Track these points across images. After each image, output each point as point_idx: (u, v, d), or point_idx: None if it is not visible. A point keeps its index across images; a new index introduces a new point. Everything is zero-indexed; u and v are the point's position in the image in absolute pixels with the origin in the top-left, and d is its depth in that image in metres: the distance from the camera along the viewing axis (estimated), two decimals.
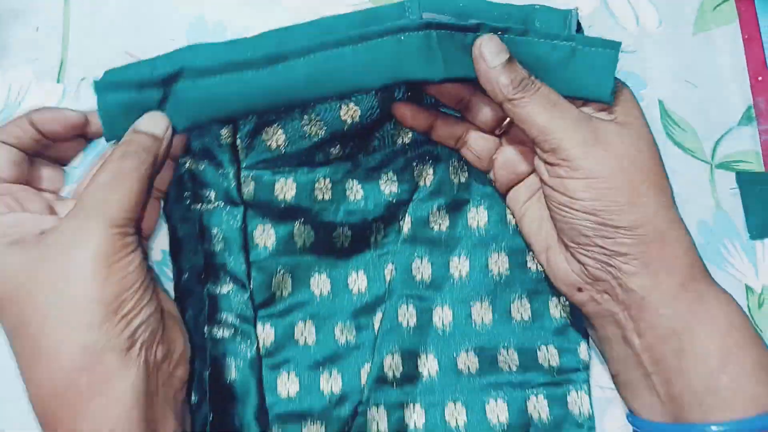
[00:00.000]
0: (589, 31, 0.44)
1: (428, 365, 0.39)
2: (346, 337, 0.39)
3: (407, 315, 0.39)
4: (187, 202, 0.38)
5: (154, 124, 0.34)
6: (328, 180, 0.39)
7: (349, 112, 0.37)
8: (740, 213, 0.42)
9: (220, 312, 0.38)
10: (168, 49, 0.36)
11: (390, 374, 0.38)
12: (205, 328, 0.37)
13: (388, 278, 0.40)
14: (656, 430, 0.34)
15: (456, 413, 0.38)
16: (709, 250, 0.41)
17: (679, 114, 0.43)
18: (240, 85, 0.34)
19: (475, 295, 0.39)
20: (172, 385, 0.32)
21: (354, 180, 0.39)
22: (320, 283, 0.39)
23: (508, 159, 0.38)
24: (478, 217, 0.40)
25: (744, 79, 0.44)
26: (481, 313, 0.39)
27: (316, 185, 0.39)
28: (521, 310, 0.39)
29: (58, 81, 0.44)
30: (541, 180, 0.35)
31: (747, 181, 0.42)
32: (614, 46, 0.34)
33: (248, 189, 0.38)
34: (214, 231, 0.38)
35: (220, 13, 0.44)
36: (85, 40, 0.44)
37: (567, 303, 0.39)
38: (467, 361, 0.39)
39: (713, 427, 0.31)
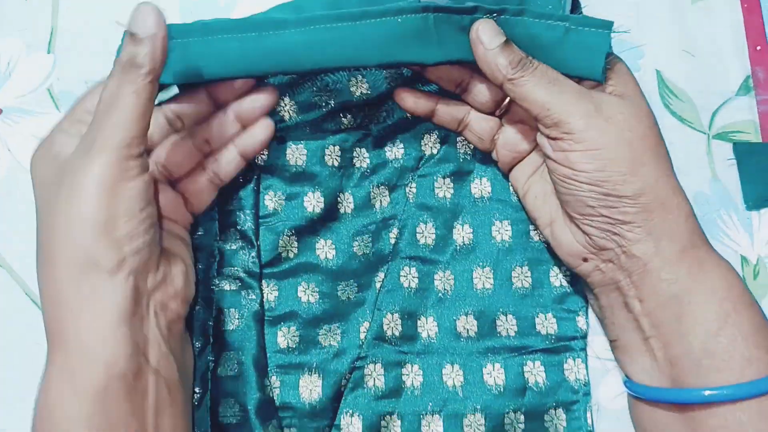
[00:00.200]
0: (586, 4, 0.43)
1: (428, 327, 0.40)
2: (348, 295, 0.40)
3: (409, 277, 0.40)
4: None
5: (142, 22, 0.31)
6: (338, 147, 0.40)
7: (358, 85, 0.39)
8: (737, 184, 0.42)
9: (228, 266, 0.39)
10: None
11: (389, 333, 0.39)
12: (214, 280, 0.39)
13: (392, 242, 0.41)
14: (652, 393, 0.35)
15: (453, 375, 0.39)
16: (706, 221, 0.41)
17: (676, 84, 0.43)
18: (241, 46, 0.35)
19: (477, 260, 0.41)
20: (165, 316, 0.33)
21: (362, 148, 0.41)
22: (325, 248, 0.40)
23: (509, 138, 0.39)
24: (482, 187, 0.41)
25: (743, 48, 0.44)
26: (483, 279, 0.40)
27: (326, 151, 0.40)
28: (522, 277, 0.40)
29: (49, 51, 0.43)
30: (545, 155, 0.35)
31: (744, 152, 0.42)
32: (607, 26, 0.35)
33: (261, 155, 0.40)
34: (229, 192, 0.40)
35: None
36: (76, 10, 0.44)
37: (567, 273, 0.40)
38: (466, 324, 0.40)
39: (707, 392, 0.32)
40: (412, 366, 0.39)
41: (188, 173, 0.38)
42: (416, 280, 0.40)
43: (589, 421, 0.39)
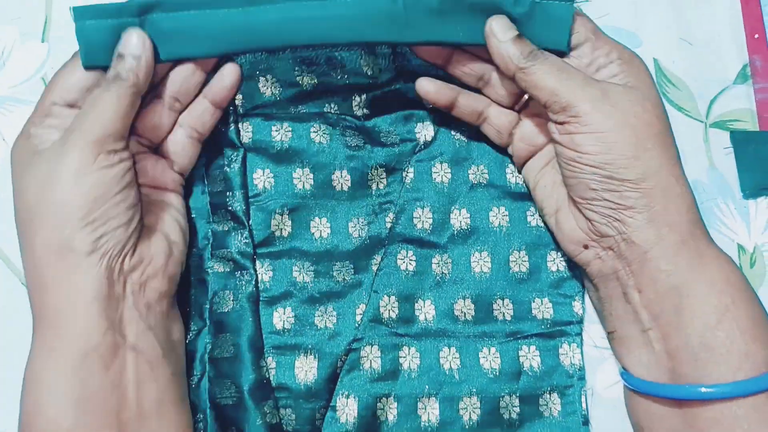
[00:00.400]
0: None
1: (425, 310, 0.40)
2: (344, 277, 0.40)
3: (406, 260, 0.40)
4: None
5: (127, 44, 0.35)
6: (324, 126, 0.41)
7: (337, 69, 0.40)
8: (734, 172, 0.42)
9: (221, 248, 0.40)
10: None
11: (386, 315, 0.39)
12: (208, 263, 0.39)
13: (389, 225, 0.41)
14: (648, 388, 0.35)
15: (450, 358, 0.39)
16: (703, 210, 0.40)
17: (674, 73, 0.43)
18: (213, 21, 0.36)
19: (475, 245, 0.41)
20: (144, 295, 0.34)
21: (350, 129, 0.41)
22: (320, 226, 0.40)
23: (526, 132, 0.39)
24: (479, 172, 0.41)
25: (740, 37, 0.44)
26: (480, 263, 0.40)
27: (312, 129, 0.41)
28: (519, 262, 0.40)
29: (43, 41, 0.43)
30: (553, 140, 0.36)
31: (741, 141, 0.42)
32: None
33: (246, 133, 0.40)
34: (216, 172, 0.40)
35: None
36: None
37: (564, 258, 0.40)
38: (464, 308, 0.40)
39: (703, 389, 0.32)
40: (408, 348, 0.39)
41: (167, 135, 0.38)
42: (414, 263, 0.40)
43: (584, 405, 0.39)
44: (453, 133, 0.41)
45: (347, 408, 0.38)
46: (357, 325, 0.39)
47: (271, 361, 0.39)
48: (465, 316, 0.40)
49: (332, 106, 0.41)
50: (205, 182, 0.40)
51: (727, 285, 0.33)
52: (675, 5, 0.44)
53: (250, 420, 0.37)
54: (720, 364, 0.32)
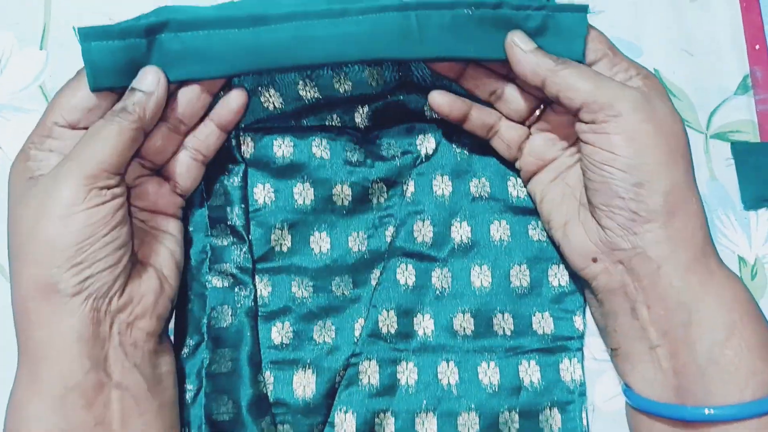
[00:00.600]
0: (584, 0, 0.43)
1: (424, 324, 0.40)
2: (343, 291, 0.40)
3: (406, 274, 0.40)
4: None
5: (142, 80, 0.35)
6: (325, 140, 0.40)
7: (341, 82, 0.40)
8: (735, 184, 0.42)
9: (220, 263, 0.39)
10: None
11: (384, 330, 0.39)
12: (206, 277, 0.39)
13: (389, 239, 0.40)
14: (652, 407, 0.34)
15: (449, 373, 0.39)
16: None
17: (674, 83, 0.43)
18: (222, 42, 0.35)
19: (476, 258, 0.40)
20: (131, 335, 0.34)
21: (352, 142, 0.41)
22: (320, 241, 0.40)
23: (536, 147, 0.39)
24: (480, 185, 0.41)
25: (741, 47, 0.43)
26: (481, 277, 0.40)
27: (314, 143, 0.40)
28: (520, 276, 0.40)
29: (41, 47, 0.43)
30: (583, 141, 0.35)
31: (742, 152, 0.42)
32: (582, 9, 0.36)
33: (247, 148, 0.40)
34: (216, 186, 0.40)
35: None
36: (69, 5, 0.43)
37: (566, 273, 0.40)
38: (463, 322, 0.40)
39: (708, 410, 0.32)
40: (407, 363, 0.39)
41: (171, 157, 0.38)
42: (413, 277, 0.40)
43: (584, 421, 0.38)
44: (454, 145, 0.41)
45: (345, 424, 0.38)
46: (356, 339, 0.39)
47: (269, 376, 0.38)
48: (464, 330, 0.39)
49: (334, 118, 0.40)
50: (204, 196, 0.40)
51: (735, 303, 0.33)
52: (676, 15, 0.44)
53: None
54: (727, 383, 0.32)
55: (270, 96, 0.39)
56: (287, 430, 0.38)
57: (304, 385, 0.38)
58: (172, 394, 0.36)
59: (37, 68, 0.42)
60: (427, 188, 0.41)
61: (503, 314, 0.40)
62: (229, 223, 0.39)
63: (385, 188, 0.41)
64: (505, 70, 0.38)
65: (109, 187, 0.33)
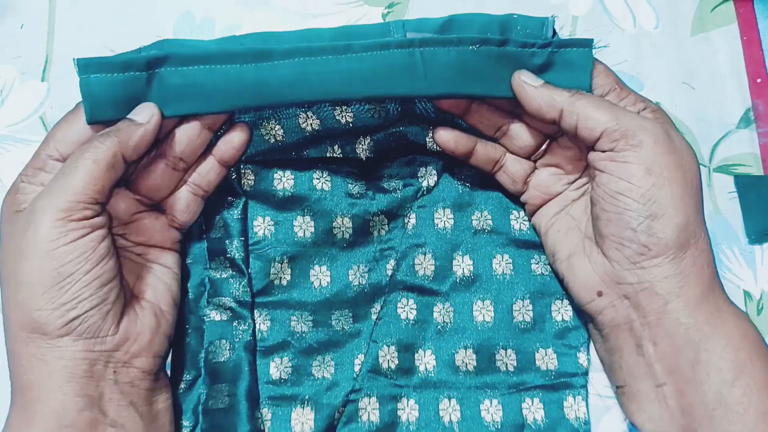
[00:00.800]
0: (585, 35, 0.43)
1: (425, 360, 0.39)
2: (343, 326, 0.39)
3: (407, 308, 0.40)
4: None
5: (137, 112, 0.34)
6: (326, 173, 0.40)
7: (343, 114, 0.39)
8: (739, 217, 0.42)
9: (219, 296, 0.39)
10: None
11: (385, 366, 0.38)
12: (204, 310, 0.38)
13: (389, 273, 0.40)
14: None
15: (450, 410, 0.38)
16: None
17: (676, 116, 0.43)
18: (224, 77, 0.35)
19: (478, 293, 0.40)
20: (127, 373, 0.33)
21: (353, 174, 0.40)
22: (320, 275, 0.40)
23: (542, 181, 0.39)
24: (482, 218, 0.41)
25: (743, 81, 0.43)
26: (483, 312, 0.40)
27: (315, 176, 0.40)
28: (523, 311, 0.40)
29: (43, 80, 0.43)
30: (598, 170, 0.35)
31: (745, 185, 0.42)
32: (588, 44, 0.37)
33: (248, 180, 0.39)
34: (216, 219, 0.39)
35: (208, 9, 0.44)
36: (71, 37, 0.43)
37: (569, 308, 0.40)
38: (465, 358, 0.39)
39: None
40: (408, 400, 0.38)
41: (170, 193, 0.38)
42: (414, 312, 0.39)
43: None
44: (456, 178, 0.41)
45: None
46: (355, 375, 0.38)
47: (266, 413, 0.38)
48: (466, 366, 0.39)
49: (336, 149, 0.40)
50: (203, 228, 0.39)
51: (744, 341, 0.33)
52: (677, 49, 0.44)
53: None
54: (736, 423, 0.31)
55: (271, 128, 0.39)
56: None
57: (303, 422, 0.38)
58: (169, 429, 0.35)
59: (38, 100, 0.43)
60: (428, 221, 0.40)
61: (506, 350, 0.39)
62: (228, 255, 0.39)
63: (386, 221, 0.40)
64: (510, 107, 0.38)
65: (86, 218, 0.32)
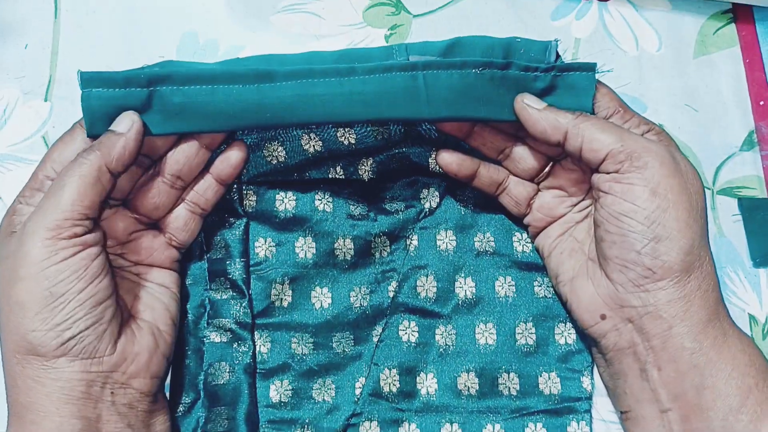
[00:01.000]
0: (588, 57, 0.43)
1: (427, 383, 0.39)
2: (344, 348, 0.39)
3: (409, 331, 0.39)
4: None
5: (117, 122, 0.34)
6: (328, 194, 0.40)
7: (345, 135, 0.39)
8: (743, 240, 0.41)
9: (219, 317, 0.38)
10: None
11: (386, 389, 0.38)
12: (204, 331, 0.38)
13: (391, 294, 0.40)
14: None
15: None
16: None
17: (679, 139, 0.43)
18: (225, 97, 0.35)
19: (480, 315, 0.40)
20: (124, 394, 0.33)
21: (355, 196, 0.40)
22: (321, 296, 0.39)
23: (545, 203, 0.39)
24: (485, 240, 0.41)
25: (746, 103, 0.43)
26: (485, 334, 0.39)
27: (317, 197, 0.40)
28: (526, 334, 0.39)
29: (46, 99, 0.43)
30: (603, 191, 0.35)
31: (749, 208, 0.42)
32: (591, 68, 0.37)
33: (249, 201, 0.39)
34: (217, 239, 0.39)
35: (211, 31, 0.44)
36: (75, 58, 0.43)
37: (573, 331, 0.39)
38: (468, 381, 0.39)
39: None
40: (409, 424, 0.38)
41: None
42: (416, 335, 0.39)
43: None
44: (458, 199, 0.41)
45: None
46: (356, 398, 0.38)
47: None
48: (469, 390, 0.39)
49: (338, 170, 0.40)
50: (204, 248, 0.39)
51: (750, 367, 0.33)
52: (679, 72, 0.44)
53: None
54: None
55: (273, 150, 0.39)
56: None
57: None
58: None
59: (40, 119, 0.43)
60: (430, 243, 0.40)
61: (509, 373, 0.39)
62: (229, 276, 0.38)
63: (388, 242, 0.40)
64: (513, 129, 0.38)
65: (77, 235, 0.32)
